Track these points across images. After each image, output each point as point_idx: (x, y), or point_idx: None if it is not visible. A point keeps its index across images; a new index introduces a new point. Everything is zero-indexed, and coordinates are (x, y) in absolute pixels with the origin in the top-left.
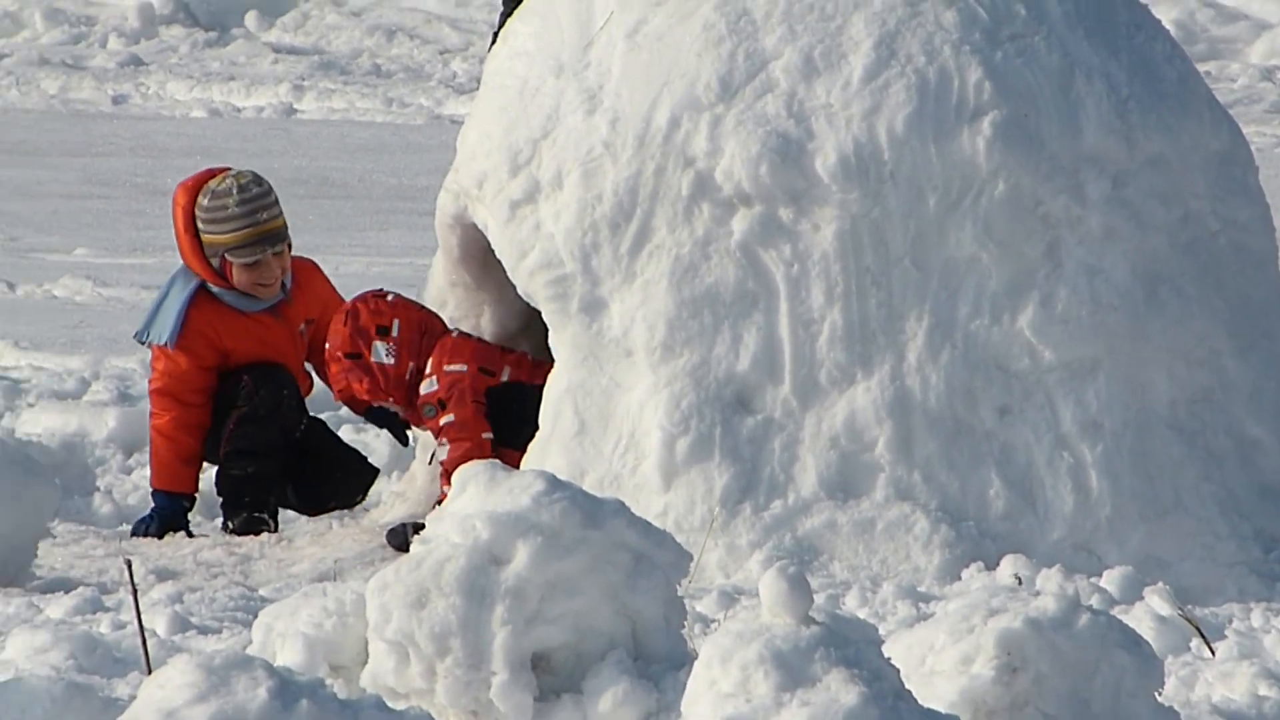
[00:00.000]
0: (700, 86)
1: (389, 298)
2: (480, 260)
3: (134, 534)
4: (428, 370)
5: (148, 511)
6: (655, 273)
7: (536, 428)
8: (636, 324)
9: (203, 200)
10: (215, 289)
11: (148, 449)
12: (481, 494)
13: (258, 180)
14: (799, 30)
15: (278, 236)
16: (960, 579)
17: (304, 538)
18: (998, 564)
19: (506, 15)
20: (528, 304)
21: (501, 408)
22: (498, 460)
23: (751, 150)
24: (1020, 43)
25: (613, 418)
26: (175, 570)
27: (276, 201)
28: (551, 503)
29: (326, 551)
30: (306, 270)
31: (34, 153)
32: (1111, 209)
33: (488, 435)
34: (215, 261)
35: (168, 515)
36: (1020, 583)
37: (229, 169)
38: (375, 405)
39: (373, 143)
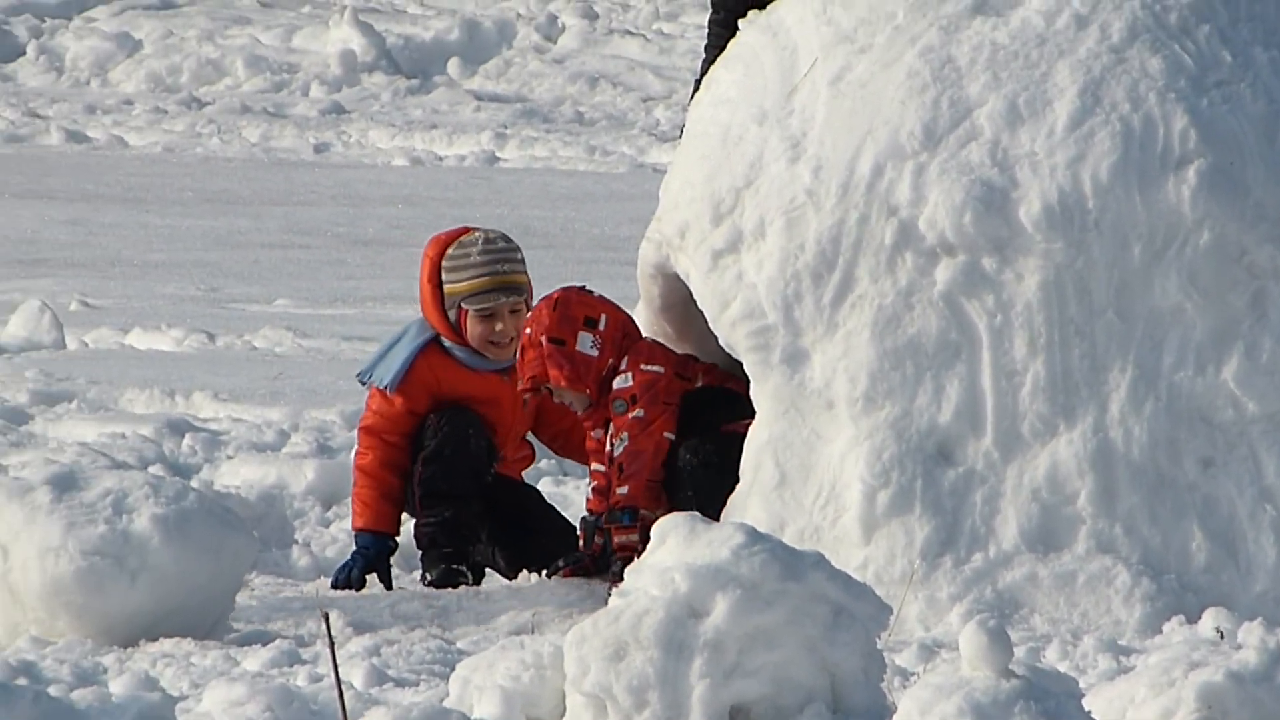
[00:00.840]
0: (904, 134)
1: (595, 294)
2: (682, 310)
3: (335, 585)
4: (623, 367)
5: (349, 557)
6: (858, 323)
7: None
8: (838, 375)
9: (451, 251)
10: (448, 343)
11: (347, 501)
12: (681, 546)
13: (505, 237)
14: (1003, 78)
15: (516, 289)
16: (1161, 632)
17: (501, 590)
18: (1199, 617)
19: (709, 62)
20: (729, 354)
21: (695, 411)
22: (696, 514)
23: (955, 199)
24: (1226, 90)
25: (814, 470)
26: (372, 623)
27: (522, 260)
28: (751, 555)
29: (524, 604)
30: None
31: (235, 202)
32: None
33: (669, 435)
34: (453, 314)
35: (371, 555)
36: (1222, 636)
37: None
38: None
39: (575, 191)
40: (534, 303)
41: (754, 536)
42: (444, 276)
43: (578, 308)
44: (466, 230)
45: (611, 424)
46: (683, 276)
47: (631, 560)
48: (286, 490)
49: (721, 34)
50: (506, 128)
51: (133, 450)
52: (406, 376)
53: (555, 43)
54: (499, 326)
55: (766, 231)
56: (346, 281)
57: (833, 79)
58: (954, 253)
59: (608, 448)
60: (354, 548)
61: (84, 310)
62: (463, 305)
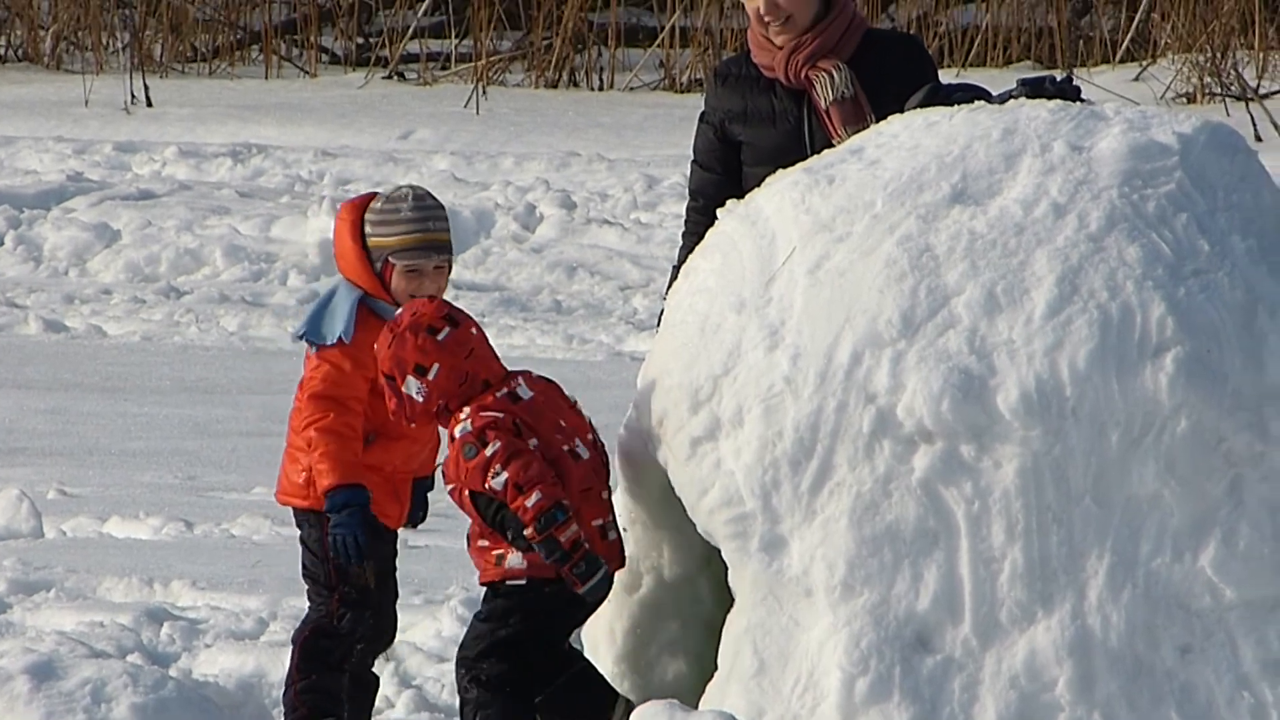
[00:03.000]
0: (882, 322)
1: (442, 335)
2: (660, 498)
3: (347, 560)
4: (464, 415)
5: (336, 520)
6: (836, 510)
7: None
8: (816, 562)
9: (375, 205)
10: (373, 302)
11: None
12: None
13: (432, 195)
14: (981, 266)
15: (443, 249)
16: None
17: None
18: None
19: (687, 250)
20: (707, 542)
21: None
22: (675, 701)
23: (934, 387)
24: (1203, 278)
25: (792, 657)
26: None
27: (447, 219)
28: None
29: None
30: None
31: (213, 390)
32: None
33: (534, 443)
34: (378, 265)
35: (362, 508)
36: None
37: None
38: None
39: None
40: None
41: None
42: (368, 230)
43: (411, 353)
44: (375, 195)
45: (465, 472)
46: (660, 464)
47: (592, 554)
48: (265, 679)
49: (699, 222)
50: (484, 316)
51: (111, 639)
52: (357, 328)
53: (533, 232)
54: (424, 284)
55: (744, 419)
56: None
57: (811, 267)
58: (932, 440)
59: (487, 484)
60: (331, 516)
61: (62, 499)
62: (390, 259)
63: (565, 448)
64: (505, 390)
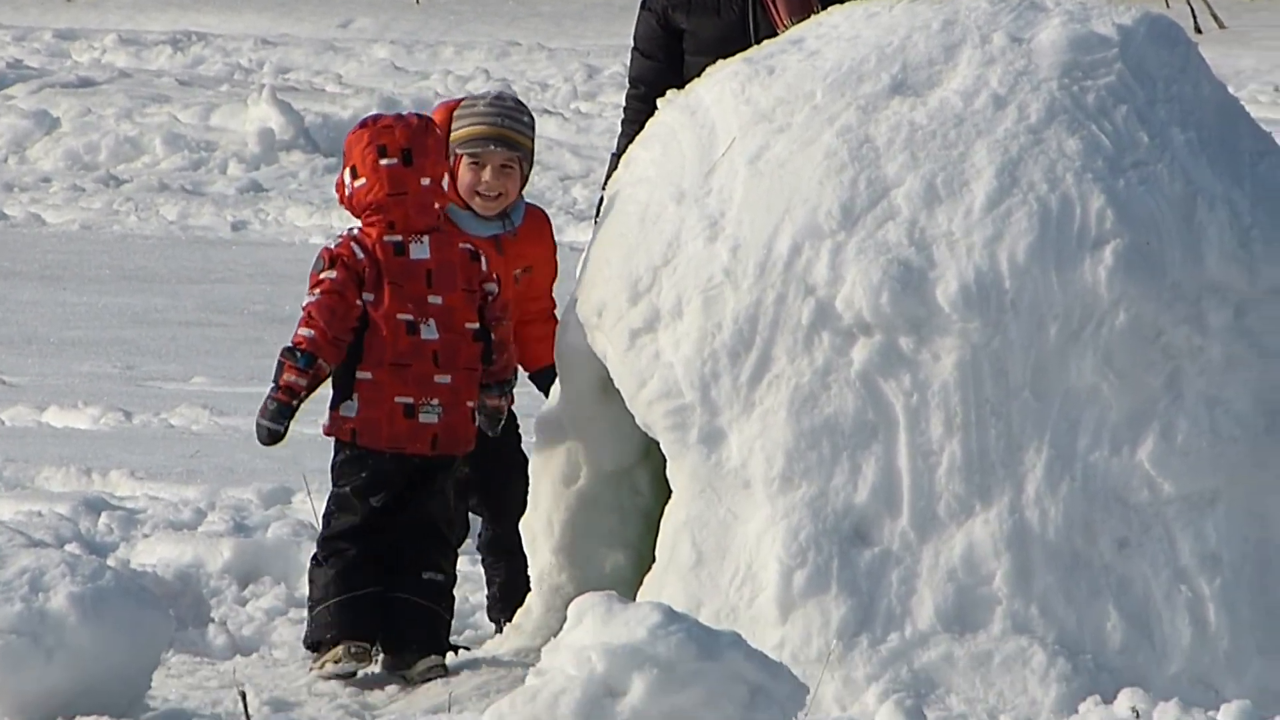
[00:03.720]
0: (822, 214)
1: (384, 161)
2: (599, 389)
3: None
4: (347, 232)
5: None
6: (774, 403)
7: None
8: (755, 455)
9: (464, 102)
10: (451, 209)
11: (264, 579)
12: (597, 625)
13: (518, 100)
14: (921, 158)
15: (511, 145)
16: (1077, 712)
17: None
18: (1115, 698)
19: (627, 139)
20: (645, 434)
21: None
22: (613, 593)
23: (872, 278)
24: (1143, 170)
25: (730, 550)
26: (290, 701)
27: (529, 126)
28: (667, 635)
29: (442, 682)
30: (538, 218)
31: (152, 280)
32: (1233, 338)
33: (370, 297)
34: (451, 161)
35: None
36: (1137, 716)
37: None
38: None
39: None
40: (528, 172)
41: (670, 616)
42: (452, 127)
43: (355, 153)
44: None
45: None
46: (600, 355)
47: (290, 403)
48: (203, 569)
49: (640, 110)
50: None
51: (49, 528)
52: None
53: None
54: (485, 177)
55: (684, 310)
56: (264, 360)
57: (751, 158)
58: (870, 332)
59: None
60: None
61: (0, 388)
62: (458, 151)
63: (405, 317)
64: (397, 238)
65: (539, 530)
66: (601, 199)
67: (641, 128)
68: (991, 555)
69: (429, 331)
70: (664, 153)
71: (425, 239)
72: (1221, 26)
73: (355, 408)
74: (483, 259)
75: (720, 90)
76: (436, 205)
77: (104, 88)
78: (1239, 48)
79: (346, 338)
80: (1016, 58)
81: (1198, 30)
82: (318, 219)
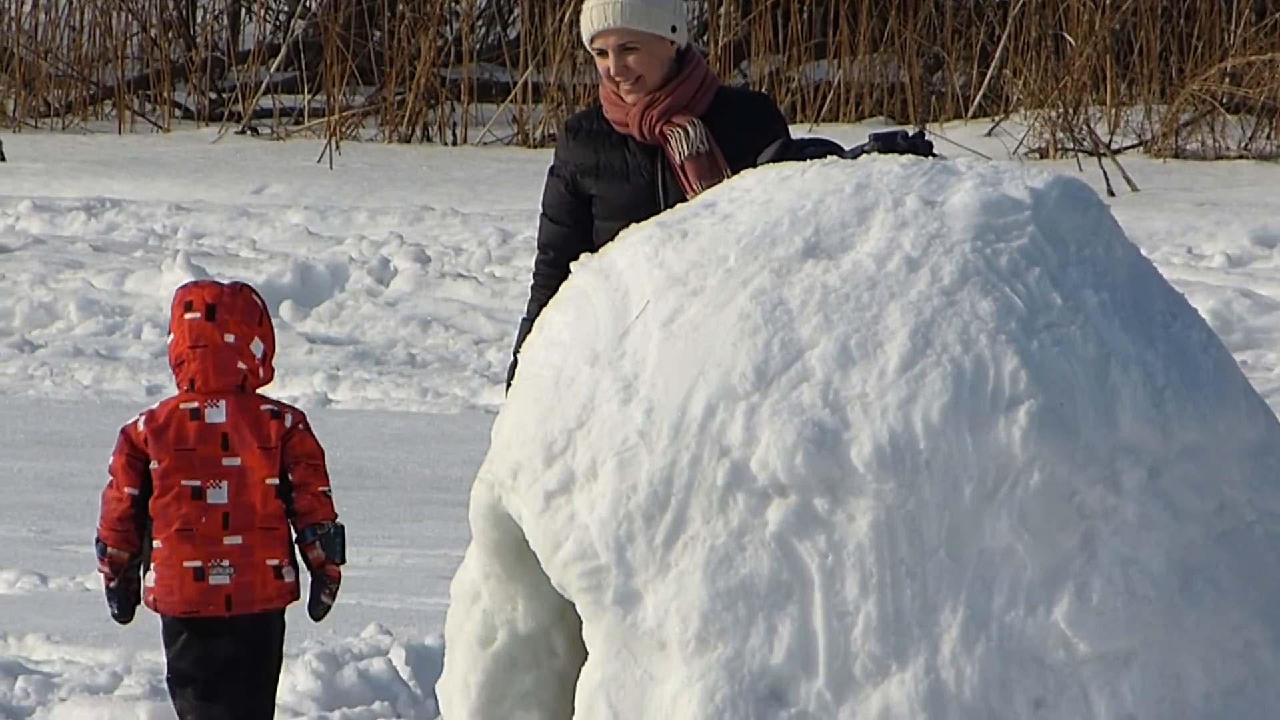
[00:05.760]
0: (736, 376)
1: (187, 315)
2: (515, 552)
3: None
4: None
5: None
6: (690, 564)
7: None
8: (670, 616)
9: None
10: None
11: None
12: None
13: None
14: (834, 319)
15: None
16: None
17: None
18: None
19: (538, 304)
20: (562, 596)
21: None
22: None
23: (787, 440)
24: (1056, 332)
25: (646, 711)
26: None
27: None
28: None
29: None
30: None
31: (67, 444)
32: (1147, 499)
33: (131, 492)
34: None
35: None
36: None
37: None
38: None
39: (407, 433)
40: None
41: None
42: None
43: (175, 306)
44: None
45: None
46: (515, 518)
47: (111, 588)
48: None
49: (550, 275)
50: (339, 370)
51: None
52: None
53: (388, 286)
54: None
55: (599, 472)
56: None
57: (665, 321)
58: (786, 493)
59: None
60: None
61: None
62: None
63: (191, 483)
64: (194, 404)
65: (455, 692)
66: (514, 363)
67: (552, 292)
68: (908, 715)
69: (218, 495)
70: (578, 316)
71: (222, 402)
72: (1134, 189)
73: (153, 576)
74: (286, 415)
75: (634, 254)
76: (241, 365)
77: (18, 254)
78: (1152, 210)
79: (126, 524)
80: (929, 220)
81: (1110, 193)
82: None
